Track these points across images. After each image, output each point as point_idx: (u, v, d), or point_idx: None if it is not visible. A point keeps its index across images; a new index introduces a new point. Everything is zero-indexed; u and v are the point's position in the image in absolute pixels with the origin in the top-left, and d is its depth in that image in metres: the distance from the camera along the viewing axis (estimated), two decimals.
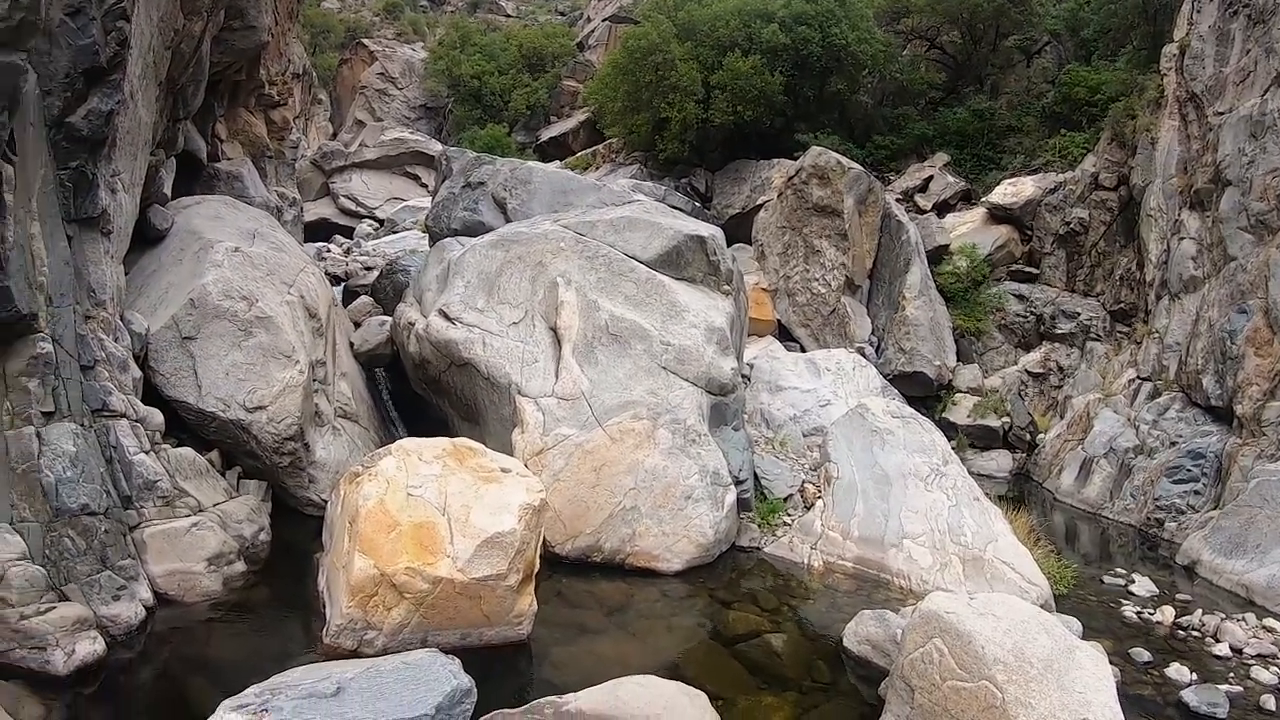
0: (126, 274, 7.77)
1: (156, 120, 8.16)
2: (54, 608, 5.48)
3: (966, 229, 15.29)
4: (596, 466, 7.62)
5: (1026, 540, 8.10)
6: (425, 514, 5.80)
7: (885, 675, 5.75)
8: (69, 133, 6.36)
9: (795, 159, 15.20)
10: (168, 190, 8.97)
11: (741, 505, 8.34)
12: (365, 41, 31.84)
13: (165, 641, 5.98)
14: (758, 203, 16.06)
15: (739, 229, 15.57)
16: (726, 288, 9.27)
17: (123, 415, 6.68)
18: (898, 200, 15.82)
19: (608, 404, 7.90)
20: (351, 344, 10.14)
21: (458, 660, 4.61)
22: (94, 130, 6.48)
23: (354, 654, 5.55)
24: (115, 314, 7.07)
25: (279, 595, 6.81)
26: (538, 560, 6.19)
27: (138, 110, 7.35)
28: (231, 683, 4.80)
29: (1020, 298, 14.36)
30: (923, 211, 15.98)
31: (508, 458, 6.50)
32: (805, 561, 8.00)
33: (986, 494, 8.51)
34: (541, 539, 6.32)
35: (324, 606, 6.15)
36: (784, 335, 14.27)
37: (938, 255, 14.71)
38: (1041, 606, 6.24)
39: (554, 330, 8.38)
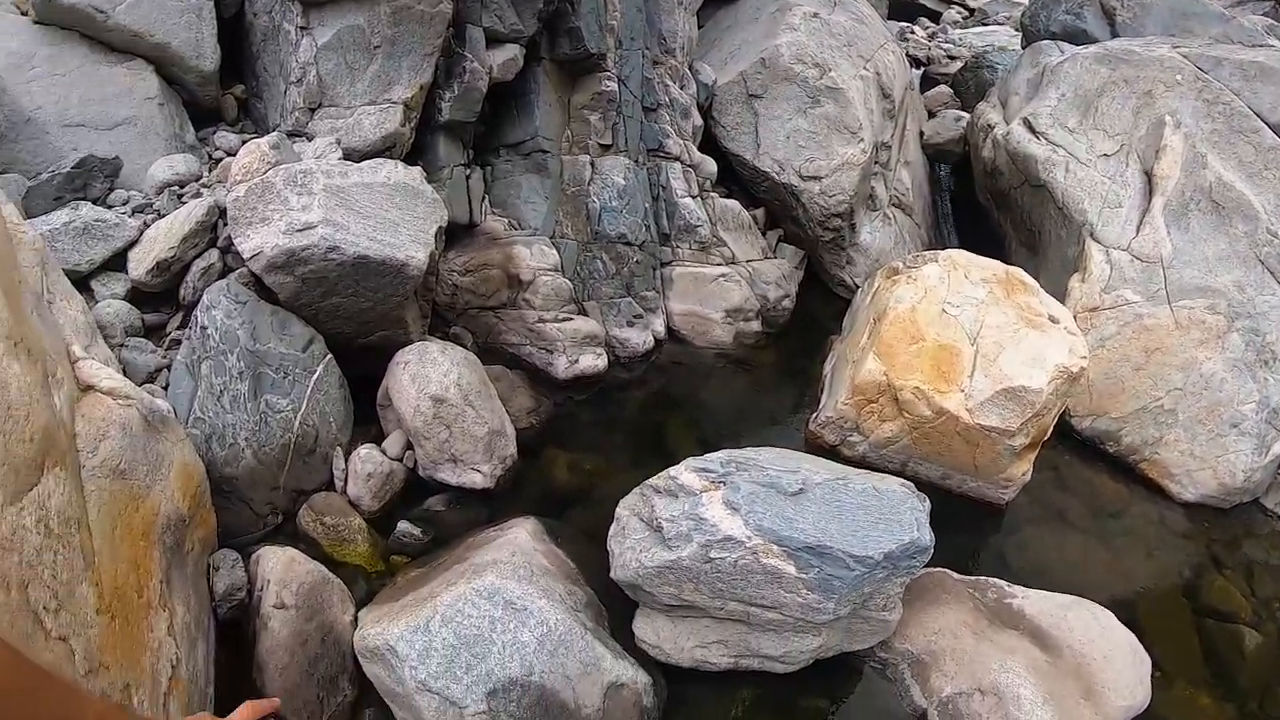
0: (700, 27, 7.86)
1: None
2: (570, 320, 5.84)
3: None
4: (1148, 348, 6.52)
5: None
6: (954, 338, 5.26)
7: None
8: None
9: None
10: None
11: None
12: None
13: (663, 374, 6.20)
14: None
15: None
16: None
17: (676, 159, 6.87)
18: None
19: (1184, 282, 6.60)
20: (921, 133, 9.46)
21: (927, 505, 4.09)
22: None
23: (831, 451, 5.38)
24: (684, 63, 7.21)
25: (782, 364, 6.75)
26: (1050, 428, 5.48)
27: None
28: (709, 432, 4.81)
29: None
30: None
31: (1059, 306, 5.68)
32: None
33: None
34: (1063, 408, 5.56)
35: (820, 392, 5.97)
36: None
37: None
38: None
39: (1148, 175, 7.08)
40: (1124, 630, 4.45)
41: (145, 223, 4.52)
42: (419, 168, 5.11)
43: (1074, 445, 6.56)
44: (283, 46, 5.28)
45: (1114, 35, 8.77)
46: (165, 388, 4.04)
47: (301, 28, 5.19)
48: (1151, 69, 7.46)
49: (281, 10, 5.24)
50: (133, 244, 4.43)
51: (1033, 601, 4.49)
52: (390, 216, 4.58)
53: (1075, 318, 6.15)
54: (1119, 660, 4.27)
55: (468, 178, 5.83)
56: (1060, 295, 6.57)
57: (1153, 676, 4.35)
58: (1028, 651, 4.21)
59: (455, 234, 5.64)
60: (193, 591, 3.47)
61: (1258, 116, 7.14)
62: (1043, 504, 5.83)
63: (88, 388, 3.15)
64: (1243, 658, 5.17)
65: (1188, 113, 7.17)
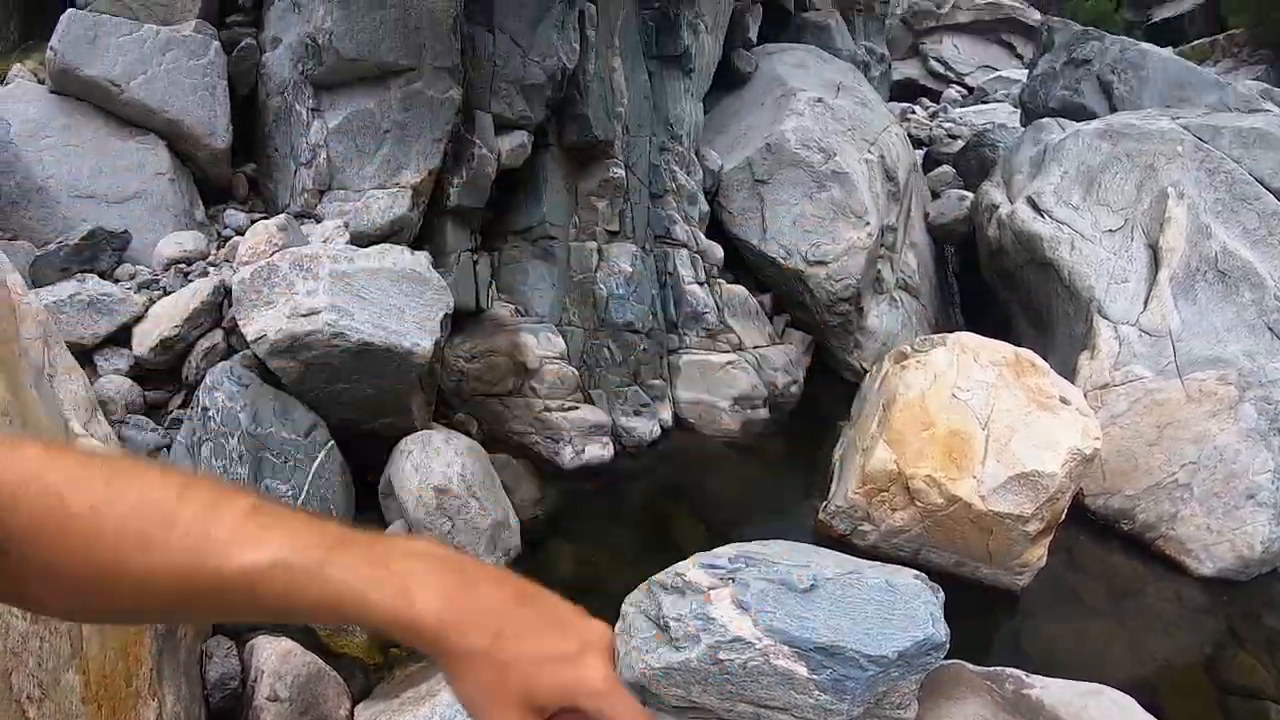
0: (706, 113, 7.94)
1: None
2: (577, 408, 5.81)
3: None
4: (1161, 424, 6.44)
5: None
6: (964, 423, 5.22)
7: None
8: None
9: None
10: (753, 36, 8.98)
11: None
12: None
13: (670, 463, 6.15)
14: None
15: None
16: None
17: (684, 245, 6.93)
18: None
19: (1194, 354, 6.53)
20: (926, 214, 9.53)
21: (941, 597, 3.99)
22: None
23: (842, 540, 5.29)
24: (690, 149, 7.32)
25: (791, 452, 6.71)
26: (1065, 511, 5.40)
27: None
28: (717, 522, 4.76)
29: None
30: None
31: (1070, 386, 5.68)
32: None
33: None
34: (1077, 490, 5.50)
35: (830, 480, 5.89)
36: None
37: None
38: None
39: (1153, 249, 7.08)
40: (1147, 716, 4.25)
41: (151, 299, 4.55)
42: (425, 253, 5.15)
43: (1088, 525, 6.43)
44: (294, 127, 5.39)
45: (1112, 109, 8.93)
46: None
47: (313, 109, 5.31)
48: (1152, 142, 7.53)
49: (294, 92, 5.37)
50: (138, 319, 4.46)
51: (1052, 691, 4.31)
52: (396, 303, 4.59)
53: (1086, 395, 6.11)
54: None
55: (475, 264, 5.87)
56: (1069, 373, 6.53)
57: None
58: None
59: (462, 320, 5.66)
60: (184, 679, 3.38)
61: (1259, 183, 7.17)
62: (1058, 588, 5.72)
63: None
64: None
65: (1190, 183, 7.21)
